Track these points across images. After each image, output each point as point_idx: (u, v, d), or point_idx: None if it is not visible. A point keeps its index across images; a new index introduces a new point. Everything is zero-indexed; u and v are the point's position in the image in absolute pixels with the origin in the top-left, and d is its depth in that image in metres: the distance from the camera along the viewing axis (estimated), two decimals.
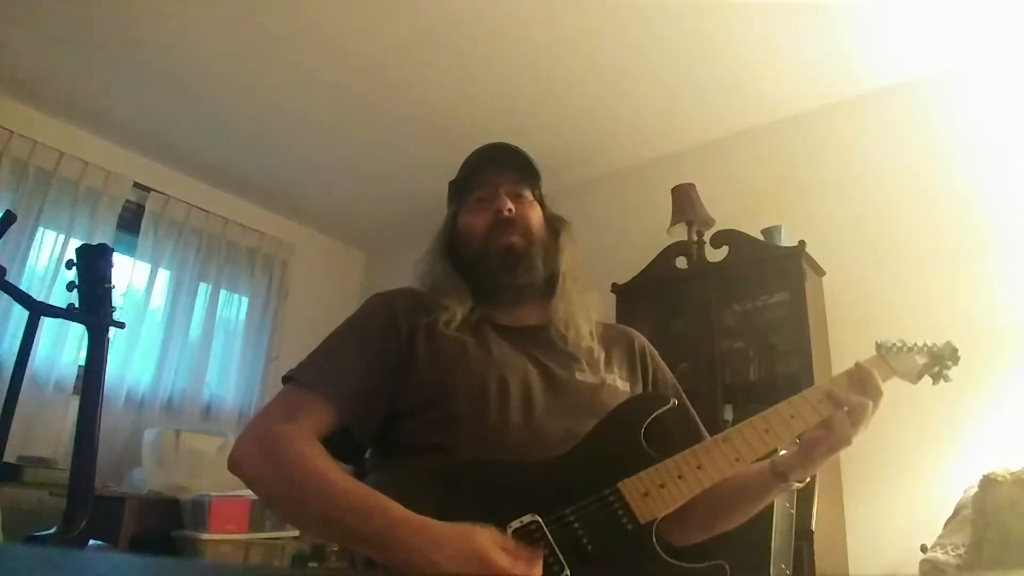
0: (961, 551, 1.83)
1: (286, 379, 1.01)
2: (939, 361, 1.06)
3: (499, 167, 1.16)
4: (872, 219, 2.76)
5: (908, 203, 2.70)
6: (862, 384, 0.96)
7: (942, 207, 2.62)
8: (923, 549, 1.95)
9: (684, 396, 1.17)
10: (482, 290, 1.12)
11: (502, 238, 1.11)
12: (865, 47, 2.68)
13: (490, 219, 1.12)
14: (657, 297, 2.99)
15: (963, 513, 1.94)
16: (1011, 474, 1.80)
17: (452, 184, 1.22)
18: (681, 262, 2.93)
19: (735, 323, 2.83)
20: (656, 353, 1.23)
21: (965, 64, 2.69)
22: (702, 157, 3.29)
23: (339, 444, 1.00)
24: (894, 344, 1.05)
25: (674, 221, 2.94)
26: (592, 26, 2.64)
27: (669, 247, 2.96)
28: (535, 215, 1.16)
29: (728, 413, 2.67)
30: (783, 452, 1.00)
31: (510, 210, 1.12)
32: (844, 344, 2.67)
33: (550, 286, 1.14)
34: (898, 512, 2.37)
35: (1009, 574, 1.62)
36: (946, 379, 1.06)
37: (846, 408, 0.94)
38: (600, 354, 1.12)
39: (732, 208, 2.97)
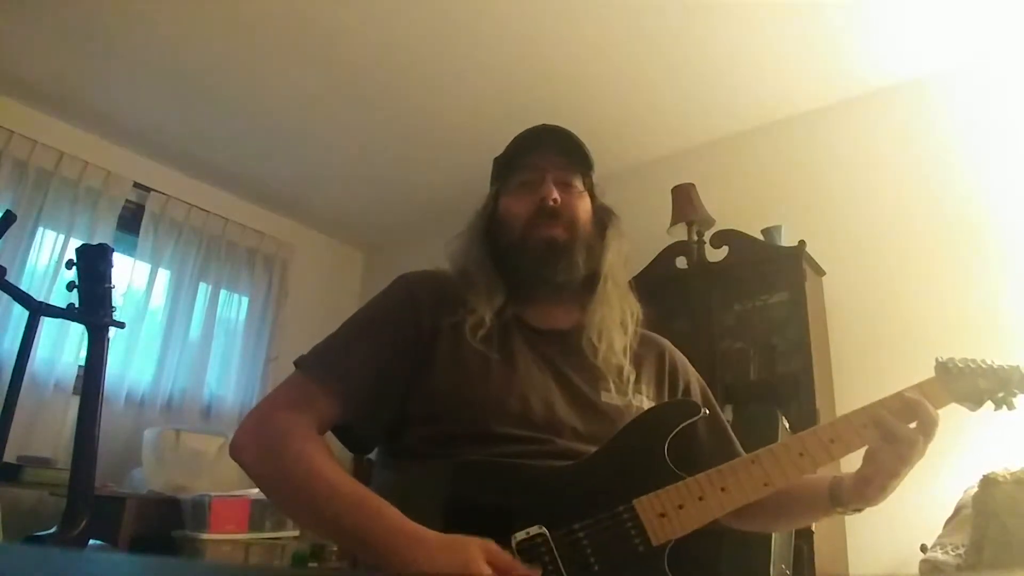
0: (961, 551, 1.82)
1: (297, 365, 0.98)
2: (1004, 386, 0.94)
3: (549, 150, 1.08)
4: (872, 219, 2.76)
5: (908, 203, 2.70)
6: (914, 413, 0.87)
7: (942, 207, 2.62)
8: (923, 549, 1.95)
9: (716, 405, 1.11)
10: (516, 283, 1.04)
11: (544, 229, 1.03)
12: (865, 47, 2.68)
13: (533, 207, 1.04)
14: (657, 297, 2.95)
15: (963, 513, 1.93)
16: (1011, 474, 1.80)
17: (497, 161, 1.14)
18: (681, 262, 2.93)
19: (735, 323, 2.82)
20: (687, 363, 1.17)
21: (965, 64, 2.69)
22: (702, 157, 3.29)
23: (347, 435, 0.98)
24: (955, 364, 0.94)
25: (674, 221, 2.94)
26: (591, 27, 2.64)
27: (669, 247, 2.96)
28: (583, 206, 1.08)
29: (728, 413, 2.66)
30: (845, 475, 0.94)
31: (555, 199, 1.03)
32: (844, 344, 2.68)
33: (589, 285, 1.07)
34: (898, 512, 2.36)
35: (1009, 574, 1.62)
36: (1011, 406, 0.95)
37: (899, 444, 0.86)
38: (631, 374, 1.04)
39: (732, 208, 2.97)
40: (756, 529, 1.04)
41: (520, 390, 0.96)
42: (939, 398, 0.91)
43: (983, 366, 0.95)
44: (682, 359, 1.17)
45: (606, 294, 1.07)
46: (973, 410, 0.96)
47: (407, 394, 0.96)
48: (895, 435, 0.86)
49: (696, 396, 1.12)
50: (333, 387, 0.94)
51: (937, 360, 0.96)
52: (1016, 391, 0.96)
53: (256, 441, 0.92)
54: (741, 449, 1.06)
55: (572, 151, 1.10)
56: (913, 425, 0.88)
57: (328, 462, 0.88)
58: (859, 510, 0.93)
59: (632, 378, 1.05)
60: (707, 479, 0.86)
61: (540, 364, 1.01)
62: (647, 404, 1.04)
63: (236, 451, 0.92)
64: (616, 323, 1.07)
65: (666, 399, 1.08)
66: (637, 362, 1.08)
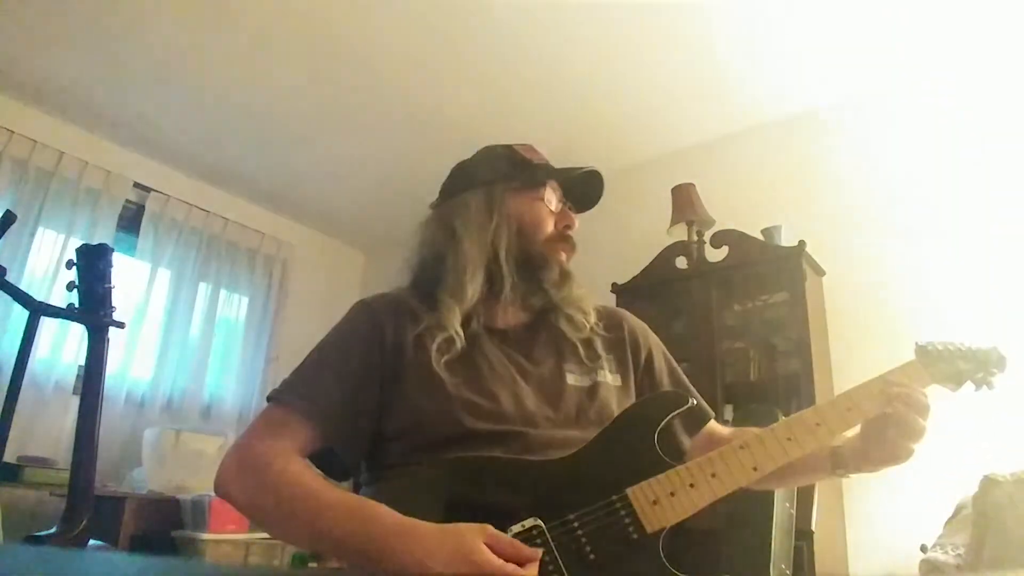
0: (961, 551, 1.82)
1: (269, 399, 0.99)
2: (983, 367, 0.99)
3: (579, 192, 1.14)
4: (872, 219, 2.76)
5: (908, 203, 2.70)
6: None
7: (942, 207, 2.62)
8: (923, 549, 1.94)
9: (680, 373, 1.16)
10: (500, 284, 1.05)
11: (561, 253, 1.10)
12: (865, 47, 2.68)
13: (557, 227, 1.10)
14: (657, 297, 2.99)
15: (963, 513, 1.93)
16: (1011, 474, 1.80)
17: (516, 159, 1.14)
18: (681, 262, 2.93)
19: (735, 323, 2.83)
20: (646, 329, 1.19)
21: (965, 63, 2.69)
22: (702, 157, 3.29)
23: (329, 462, 0.98)
24: (935, 347, 0.97)
25: (674, 221, 2.94)
26: (591, 27, 2.64)
27: (669, 247, 2.96)
28: None
29: (728, 413, 2.67)
30: (845, 438, 0.96)
31: (575, 229, 1.12)
32: (844, 344, 2.68)
33: None
34: (898, 512, 2.37)
35: (1009, 574, 1.62)
36: (989, 386, 0.99)
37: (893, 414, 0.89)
38: (591, 350, 1.08)
39: (732, 208, 2.97)
40: (760, 488, 1.06)
41: (488, 388, 0.98)
42: (920, 380, 0.94)
43: (962, 348, 0.99)
44: (641, 326, 1.19)
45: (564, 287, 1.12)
46: (954, 391, 0.98)
47: (381, 411, 0.98)
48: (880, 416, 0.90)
49: (658, 361, 1.15)
50: (308, 413, 0.95)
51: (917, 343, 0.98)
52: (995, 371, 0.99)
53: (238, 471, 0.92)
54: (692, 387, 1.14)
55: (593, 203, 1.16)
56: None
57: (313, 477, 0.89)
58: (858, 471, 0.96)
59: (594, 354, 1.08)
60: (697, 466, 0.89)
61: (504, 361, 1.03)
62: (611, 378, 1.07)
63: (221, 486, 0.92)
64: (576, 307, 1.10)
65: (630, 371, 1.11)
66: (598, 339, 1.11)
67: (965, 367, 0.98)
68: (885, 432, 0.91)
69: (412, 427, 0.95)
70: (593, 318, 1.11)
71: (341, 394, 0.96)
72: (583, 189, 1.14)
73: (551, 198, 1.11)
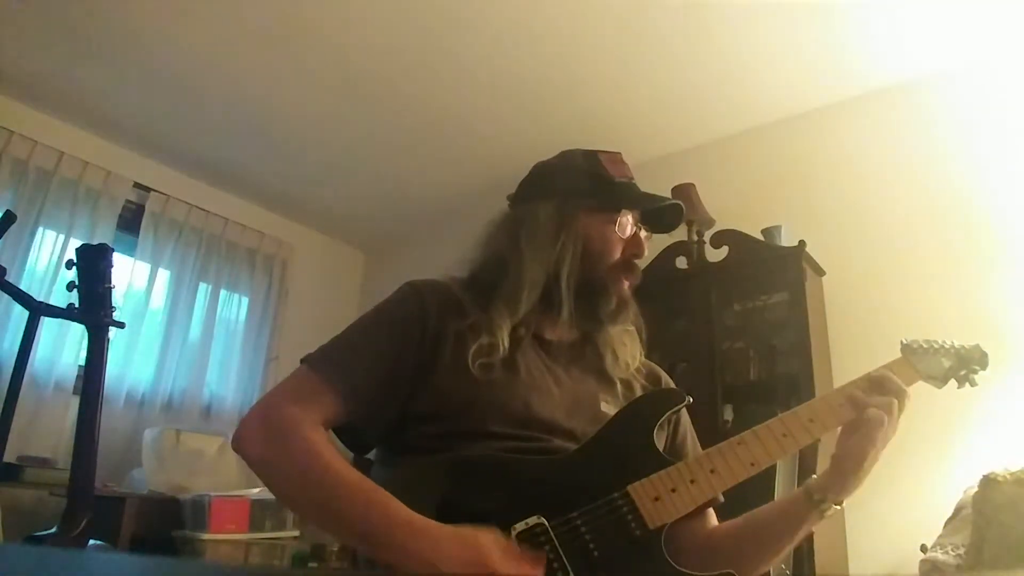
0: (961, 551, 1.82)
1: (304, 361, 0.98)
2: (966, 364, 1.01)
3: (659, 221, 1.12)
4: (872, 219, 2.76)
5: (908, 203, 2.70)
6: (883, 387, 0.93)
7: (942, 207, 2.62)
8: (923, 549, 1.95)
9: (698, 445, 1.13)
10: (557, 303, 1.03)
11: (624, 282, 1.07)
12: (865, 47, 2.68)
13: (624, 255, 1.07)
14: (657, 297, 2.96)
15: (963, 513, 1.93)
16: (1011, 474, 1.80)
17: (600, 178, 1.10)
18: (681, 262, 2.93)
19: (735, 323, 2.82)
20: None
21: (965, 63, 2.69)
22: (702, 157, 3.29)
23: (349, 434, 0.98)
24: (920, 345, 1.00)
25: None
26: (591, 27, 2.64)
27: (669, 247, 2.96)
28: None
29: (728, 413, 2.67)
30: (813, 476, 0.95)
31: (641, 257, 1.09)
32: (844, 344, 2.68)
33: None
34: (898, 512, 2.37)
35: (1009, 574, 1.62)
36: (972, 383, 1.01)
37: (871, 410, 0.89)
38: (630, 389, 1.08)
39: (732, 208, 2.97)
40: (753, 569, 1.02)
41: (522, 393, 0.97)
42: (907, 377, 0.96)
43: (945, 346, 1.01)
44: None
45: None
46: (939, 387, 1.01)
47: (410, 395, 0.97)
48: (871, 404, 0.90)
49: (684, 423, 1.13)
50: (338, 386, 0.94)
51: (902, 341, 1.01)
52: (977, 368, 1.01)
53: (262, 431, 0.91)
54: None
55: (670, 230, 1.15)
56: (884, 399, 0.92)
57: (335, 454, 0.88)
58: (839, 504, 0.93)
59: (631, 395, 1.07)
60: (696, 463, 0.90)
61: (543, 370, 1.03)
62: None
63: (240, 442, 0.92)
64: (624, 342, 1.10)
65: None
66: (638, 384, 1.11)
67: (949, 364, 1.00)
68: (852, 437, 0.91)
69: (437, 417, 0.95)
70: (636, 364, 1.10)
71: (375, 375, 0.96)
72: (661, 215, 1.12)
73: (625, 223, 1.07)
